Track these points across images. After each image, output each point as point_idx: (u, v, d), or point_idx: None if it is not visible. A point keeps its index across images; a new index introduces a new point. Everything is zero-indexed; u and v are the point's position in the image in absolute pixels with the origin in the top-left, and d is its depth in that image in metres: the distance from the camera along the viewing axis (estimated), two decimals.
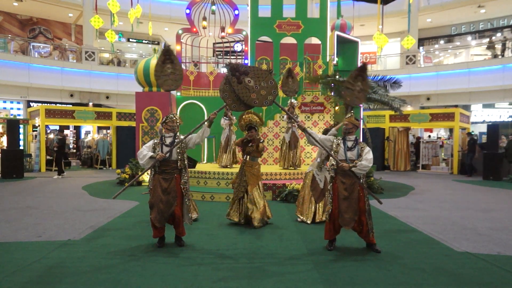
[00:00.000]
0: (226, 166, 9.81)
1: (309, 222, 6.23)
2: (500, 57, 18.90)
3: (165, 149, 4.77)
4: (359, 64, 12.25)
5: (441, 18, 22.15)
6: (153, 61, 11.25)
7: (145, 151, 4.77)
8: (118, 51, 20.29)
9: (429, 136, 19.17)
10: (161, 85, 5.39)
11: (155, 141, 4.91)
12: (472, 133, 15.45)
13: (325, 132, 6.58)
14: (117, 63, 21.47)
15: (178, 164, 4.82)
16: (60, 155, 13.02)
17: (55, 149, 13.30)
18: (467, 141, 14.55)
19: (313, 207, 6.32)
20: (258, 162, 6.18)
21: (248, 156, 6.08)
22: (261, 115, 6.37)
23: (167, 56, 5.26)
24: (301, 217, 6.37)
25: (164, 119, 4.97)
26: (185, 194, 4.87)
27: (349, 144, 4.75)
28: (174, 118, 4.92)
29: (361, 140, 12.26)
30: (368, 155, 4.65)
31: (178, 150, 4.82)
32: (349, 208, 4.59)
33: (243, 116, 6.16)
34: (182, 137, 4.88)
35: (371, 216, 4.78)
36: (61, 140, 13.19)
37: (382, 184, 10.11)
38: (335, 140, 4.83)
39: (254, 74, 4.68)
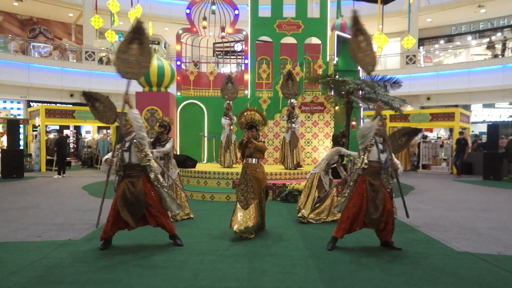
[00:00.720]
0: (228, 166, 9.81)
1: (314, 222, 6.23)
2: (500, 57, 18.91)
3: (125, 154, 4.77)
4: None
5: (441, 18, 22.14)
6: (153, 62, 11.24)
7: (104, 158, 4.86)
8: (107, 49, 20.18)
9: (426, 136, 19.14)
10: (107, 122, 5.48)
11: (117, 146, 4.91)
12: (473, 133, 15.40)
13: (334, 138, 6.62)
14: (106, 62, 21.34)
15: (143, 163, 4.78)
16: (59, 155, 13.15)
17: (54, 149, 13.51)
18: (455, 141, 14.31)
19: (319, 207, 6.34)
20: (261, 164, 5.59)
21: (249, 159, 5.48)
22: (265, 114, 5.82)
23: (90, 101, 5.28)
24: (305, 217, 6.35)
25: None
26: (161, 187, 4.81)
27: (381, 146, 4.80)
28: (124, 123, 4.88)
29: None
30: (395, 158, 4.97)
31: (137, 151, 4.77)
32: (377, 209, 4.61)
33: (245, 113, 5.58)
34: (134, 111, 4.80)
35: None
36: (58, 140, 13.37)
37: None
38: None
39: (368, 39, 4.76)
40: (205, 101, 12.24)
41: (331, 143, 6.84)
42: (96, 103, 5.42)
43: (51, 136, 15.60)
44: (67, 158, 16.06)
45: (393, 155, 4.89)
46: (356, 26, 4.76)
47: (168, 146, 6.33)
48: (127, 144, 4.83)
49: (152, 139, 6.32)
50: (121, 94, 17.04)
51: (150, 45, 4.85)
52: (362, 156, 4.77)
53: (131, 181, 4.72)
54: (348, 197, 4.79)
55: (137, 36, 4.70)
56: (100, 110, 5.40)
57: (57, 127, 18.31)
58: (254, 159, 5.48)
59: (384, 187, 4.74)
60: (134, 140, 4.79)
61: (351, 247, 4.87)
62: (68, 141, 16.78)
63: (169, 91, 11.95)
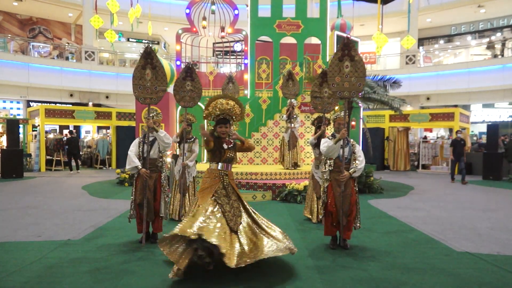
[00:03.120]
0: None
1: (314, 221, 6.21)
2: (499, 57, 18.92)
3: (146, 147, 4.91)
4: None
5: (441, 18, 22.16)
6: None
7: (132, 156, 4.86)
8: (92, 48, 20.08)
9: (425, 137, 19.16)
10: (179, 101, 5.66)
11: (140, 139, 5.02)
12: (472, 133, 15.30)
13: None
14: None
15: (159, 161, 5.04)
16: (69, 154, 14.23)
17: (65, 148, 14.70)
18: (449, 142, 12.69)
19: (316, 206, 6.31)
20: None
21: (226, 164, 4.08)
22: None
23: (188, 73, 5.45)
24: (308, 216, 6.37)
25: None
26: (163, 191, 5.05)
27: (341, 142, 4.80)
28: (153, 120, 4.98)
29: (360, 140, 12.28)
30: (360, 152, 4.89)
31: (159, 149, 5.01)
32: (344, 202, 4.63)
33: (218, 100, 4.06)
34: (161, 135, 4.92)
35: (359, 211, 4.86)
36: (68, 140, 14.34)
37: (382, 184, 10.11)
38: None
39: (356, 66, 4.49)
40: (204, 101, 12.22)
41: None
42: (188, 81, 5.60)
43: (51, 136, 15.60)
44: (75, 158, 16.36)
45: (358, 147, 4.79)
46: (345, 51, 4.50)
47: (197, 149, 6.52)
48: (151, 138, 4.97)
49: (177, 138, 6.39)
50: (121, 94, 17.07)
51: (163, 69, 4.90)
52: (325, 159, 4.83)
53: (150, 176, 4.90)
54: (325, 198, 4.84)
55: (148, 61, 4.80)
56: (185, 89, 5.59)
57: (56, 128, 18.33)
58: (230, 166, 4.14)
59: (352, 180, 4.70)
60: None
61: (350, 247, 4.86)
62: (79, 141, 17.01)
63: (169, 91, 11.96)
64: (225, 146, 4.04)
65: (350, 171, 4.61)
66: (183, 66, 12.93)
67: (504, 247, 4.92)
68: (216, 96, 4.17)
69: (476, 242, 5.16)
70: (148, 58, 4.81)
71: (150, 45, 5.05)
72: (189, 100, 5.72)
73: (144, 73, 4.83)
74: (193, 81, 5.67)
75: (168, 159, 5.64)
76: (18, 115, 17.71)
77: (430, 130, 20.17)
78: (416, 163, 16.56)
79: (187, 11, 12.81)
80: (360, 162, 4.67)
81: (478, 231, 5.73)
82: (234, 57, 16.79)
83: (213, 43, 16.90)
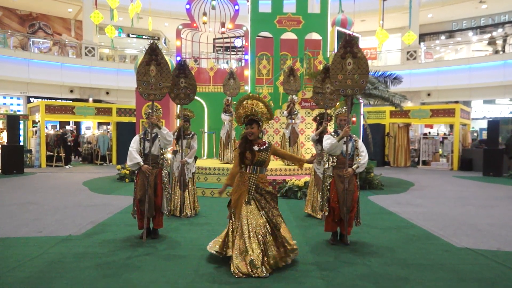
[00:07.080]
0: (228, 162, 9.81)
1: (319, 217, 6.21)
2: (501, 53, 18.86)
3: (147, 144, 4.93)
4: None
5: (442, 13, 22.05)
6: None
7: (134, 153, 4.86)
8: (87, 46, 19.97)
9: (427, 133, 19.13)
10: (174, 99, 5.60)
11: (140, 135, 5.02)
12: (473, 129, 15.23)
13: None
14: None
15: (160, 158, 5.06)
16: (73, 148, 15.24)
17: (72, 143, 15.36)
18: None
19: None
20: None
21: (258, 168, 4.08)
22: (271, 104, 4.49)
23: (181, 70, 5.34)
24: (310, 212, 6.38)
25: (147, 115, 5.04)
26: (164, 187, 5.09)
27: (344, 138, 4.82)
28: (155, 116, 4.94)
29: (361, 136, 12.27)
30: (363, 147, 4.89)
31: (159, 145, 5.02)
32: (346, 199, 4.64)
33: (243, 102, 4.07)
34: (163, 132, 4.92)
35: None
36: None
37: (382, 180, 10.12)
38: None
39: (358, 63, 4.45)
40: (205, 97, 12.21)
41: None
42: (182, 78, 5.53)
43: (51, 132, 15.60)
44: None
45: (361, 143, 4.79)
46: (347, 48, 4.45)
47: (195, 145, 6.48)
48: (152, 135, 4.96)
49: (174, 135, 6.33)
50: (121, 90, 17.07)
51: (167, 66, 4.89)
52: (328, 155, 4.85)
53: (151, 172, 4.91)
54: (326, 194, 4.86)
55: (153, 57, 4.80)
56: (181, 87, 5.55)
57: (56, 123, 18.33)
58: (261, 169, 4.12)
59: (355, 176, 4.71)
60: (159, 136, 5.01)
61: (351, 243, 4.87)
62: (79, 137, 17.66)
63: None
64: (256, 148, 4.01)
65: (353, 167, 4.61)
66: (187, 63, 12.93)
67: (503, 243, 4.93)
68: (244, 97, 4.15)
69: (476, 238, 5.17)
70: (153, 55, 4.80)
71: (154, 42, 5.01)
72: (184, 97, 5.68)
73: (148, 69, 4.83)
74: (186, 78, 5.62)
75: (169, 155, 5.65)
76: (19, 111, 17.72)
77: (431, 126, 20.15)
78: (416, 159, 16.56)
79: (187, 6, 12.76)
80: (363, 157, 4.68)
81: (478, 227, 5.74)
82: (235, 52, 16.73)
83: (214, 39, 16.85)
